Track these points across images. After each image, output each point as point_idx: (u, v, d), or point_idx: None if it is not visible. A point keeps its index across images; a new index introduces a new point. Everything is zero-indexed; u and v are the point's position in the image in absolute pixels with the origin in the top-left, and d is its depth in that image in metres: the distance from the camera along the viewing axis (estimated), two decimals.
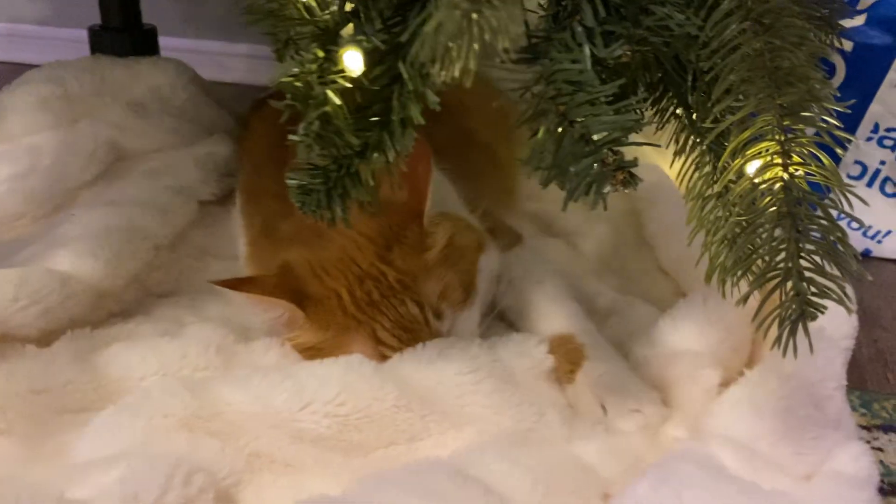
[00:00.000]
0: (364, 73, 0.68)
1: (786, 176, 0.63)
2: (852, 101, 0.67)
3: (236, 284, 0.97)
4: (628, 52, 0.66)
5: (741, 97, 0.68)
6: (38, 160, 1.31)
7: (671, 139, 0.81)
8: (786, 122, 0.64)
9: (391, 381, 0.89)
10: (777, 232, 0.64)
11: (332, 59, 0.67)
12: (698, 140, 0.76)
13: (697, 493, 0.72)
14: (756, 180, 0.64)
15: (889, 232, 1.51)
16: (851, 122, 1.44)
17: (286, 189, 1.07)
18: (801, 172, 0.63)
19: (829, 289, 0.60)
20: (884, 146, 1.46)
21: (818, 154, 0.64)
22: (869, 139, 1.46)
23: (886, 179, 1.49)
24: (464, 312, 1.00)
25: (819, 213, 0.64)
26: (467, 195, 1.21)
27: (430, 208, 0.97)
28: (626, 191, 0.62)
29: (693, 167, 0.79)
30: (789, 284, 0.63)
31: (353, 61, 0.66)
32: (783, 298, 0.64)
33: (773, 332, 0.65)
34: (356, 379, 0.88)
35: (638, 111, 0.72)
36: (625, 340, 1.10)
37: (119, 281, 1.10)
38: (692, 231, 0.82)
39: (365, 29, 0.66)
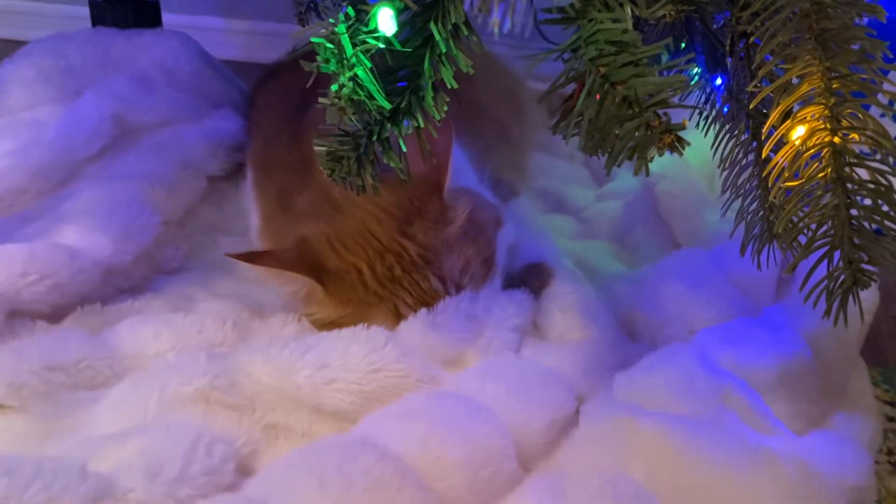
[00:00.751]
0: (394, 35, 0.65)
1: (836, 140, 0.60)
2: None
3: (253, 258, 0.95)
4: (672, 12, 0.64)
5: (785, 61, 0.66)
6: (40, 134, 1.27)
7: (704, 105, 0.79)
8: (835, 86, 0.62)
9: (416, 357, 0.87)
10: (824, 199, 0.62)
11: (362, 18, 0.64)
12: (736, 106, 0.73)
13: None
14: (804, 145, 0.62)
15: None
16: None
17: (300, 161, 1.06)
18: (851, 136, 0.61)
19: (884, 256, 0.58)
20: None
21: (867, 117, 0.62)
22: None
23: None
24: (485, 288, 0.98)
25: (868, 178, 0.62)
26: (479, 170, 1.19)
27: (450, 181, 0.95)
28: (673, 154, 0.60)
29: (727, 134, 0.77)
30: (837, 253, 0.61)
31: (386, 21, 0.63)
32: (830, 267, 0.62)
33: None
34: (379, 358, 0.86)
35: (685, 72, 0.69)
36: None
37: (128, 257, 1.08)
38: (727, 200, 0.80)
39: None
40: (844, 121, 0.62)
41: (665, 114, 0.59)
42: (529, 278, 1.07)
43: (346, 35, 0.62)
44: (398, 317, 0.93)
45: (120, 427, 0.79)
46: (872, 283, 0.59)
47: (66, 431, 0.83)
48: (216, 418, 0.82)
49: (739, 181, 0.77)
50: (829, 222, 0.61)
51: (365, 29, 0.64)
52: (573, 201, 1.50)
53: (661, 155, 0.60)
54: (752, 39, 0.69)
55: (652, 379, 0.82)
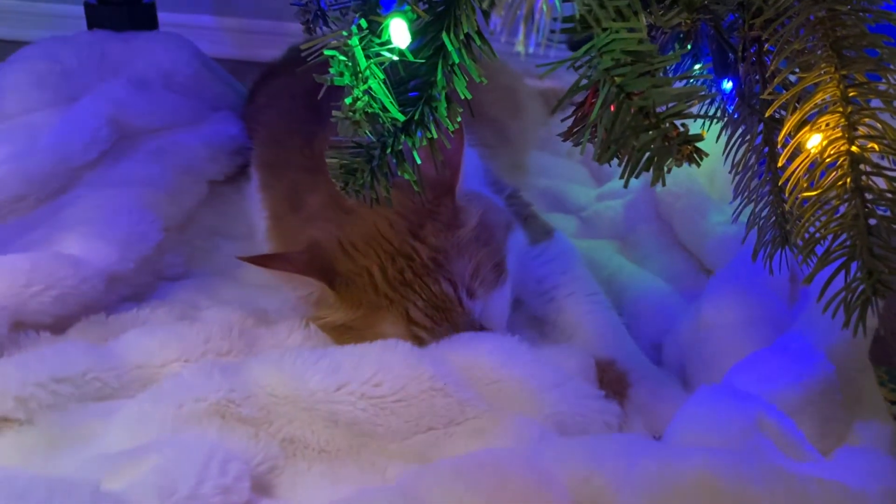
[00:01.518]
0: (407, 46, 0.65)
1: (854, 149, 0.60)
2: None
3: (265, 261, 0.94)
4: (687, 21, 0.63)
5: (800, 68, 0.65)
6: (36, 140, 1.26)
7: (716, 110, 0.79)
8: (851, 94, 0.62)
9: (427, 360, 0.86)
10: (841, 208, 0.62)
11: (374, 30, 0.63)
12: (748, 112, 0.73)
13: None
14: (820, 154, 0.62)
15: None
16: None
17: (310, 161, 1.05)
18: (869, 145, 0.60)
19: None
20: None
21: (885, 126, 0.61)
22: None
23: None
24: (495, 293, 0.97)
25: (886, 187, 0.61)
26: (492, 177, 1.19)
27: (462, 184, 0.95)
28: (691, 166, 0.59)
29: (740, 140, 0.77)
30: (855, 264, 0.61)
31: (398, 32, 0.62)
32: (848, 278, 0.62)
33: None
34: (392, 357, 0.86)
35: (702, 82, 0.69)
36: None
37: (130, 264, 1.07)
38: (739, 205, 0.80)
39: None
40: (861, 129, 0.61)
41: (683, 124, 0.59)
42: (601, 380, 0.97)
43: (359, 47, 0.62)
44: (409, 320, 0.93)
45: (134, 443, 0.78)
46: (891, 292, 0.59)
47: (75, 444, 0.82)
48: (232, 434, 0.81)
49: (751, 186, 0.76)
50: (847, 233, 0.61)
51: (378, 41, 0.63)
52: (573, 200, 1.50)
53: (679, 166, 0.59)
54: (765, 46, 0.68)
55: (680, 416, 0.80)
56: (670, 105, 0.59)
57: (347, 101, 0.62)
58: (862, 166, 0.61)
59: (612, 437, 0.87)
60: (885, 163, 0.62)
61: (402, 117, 0.64)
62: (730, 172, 0.78)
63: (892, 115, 0.62)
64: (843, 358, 0.84)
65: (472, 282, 0.94)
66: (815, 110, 0.64)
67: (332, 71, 0.62)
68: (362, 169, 0.66)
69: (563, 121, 0.70)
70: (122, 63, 1.41)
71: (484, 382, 0.88)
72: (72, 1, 1.73)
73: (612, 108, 0.62)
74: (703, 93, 0.60)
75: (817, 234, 0.63)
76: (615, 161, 0.64)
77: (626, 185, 0.61)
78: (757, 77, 0.74)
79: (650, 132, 0.60)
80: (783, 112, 0.68)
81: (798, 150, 0.65)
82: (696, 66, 0.76)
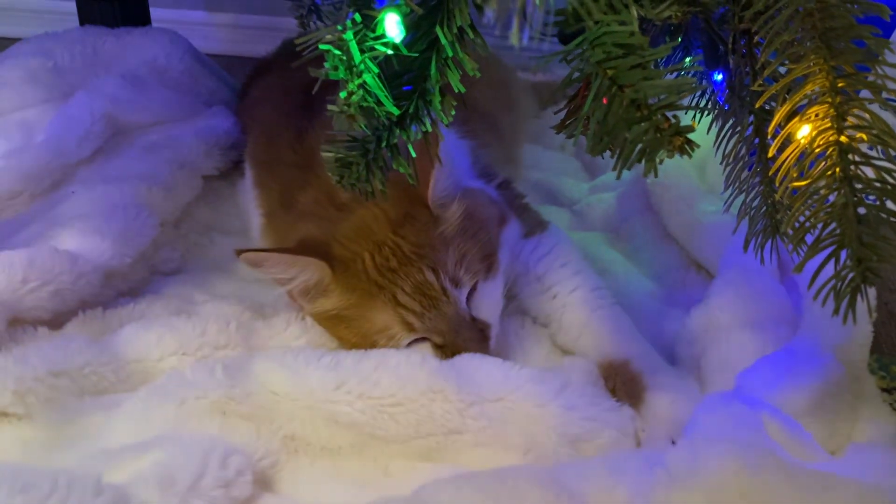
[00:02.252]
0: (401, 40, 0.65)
1: (843, 139, 0.61)
2: None
3: (264, 251, 0.96)
4: (678, 14, 0.64)
5: (789, 60, 0.66)
6: (30, 136, 1.27)
7: (707, 102, 0.80)
8: (840, 84, 0.62)
9: (428, 363, 0.88)
10: (830, 198, 0.63)
11: (369, 24, 0.64)
12: (738, 103, 0.74)
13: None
14: (809, 144, 0.63)
15: None
16: None
17: (301, 158, 1.06)
18: (857, 135, 0.61)
19: (891, 254, 0.59)
20: None
21: (873, 116, 0.62)
22: None
23: None
24: (487, 283, 0.98)
25: (874, 176, 0.62)
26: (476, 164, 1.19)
27: (435, 193, 0.95)
28: (683, 157, 0.60)
29: (730, 131, 0.78)
30: (844, 252, 0.62)
31: (393, 26, 0.63)
32: (838, 266, 0.62)
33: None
34: (392, 357, 0.87)
35: (693, 73, 0.70)
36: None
37: (126, 259, 1.07)
38: (729, 196, 0.81)
39: None
40: (850, 119, 0.62)
41: (674, 116, 0.59)
42: (613, 383, 0.97)
43: (353, 42, 0.62)
44: (396, 303, 0.94)
45: (135, 439, 0.79)
46: (880, 279, 0.60)
47: (74, 438, 0.83)
48: (234, 430, 0.82)
49: (742, 177, 0.77)
50: (836, 221, 0.61)
51: (372, 35, 0.63)
52: (566, 193, 1.51)
53: (671, 157, 0.60)
54: (755, 38, 0.69)
55: (692, 423, 0.79)
56: (662, 97, 0.60)
57: (342, 95, 0.63)
58: (851, 156, 0.62)
59: (632, 452, 0.86)
60: (873, 153, 0.63)
61: (396, 111, 0.65)
62: (721, 163, 0.79)
63: (880, 106, 0.63)
64: (851, 358, 0.85)
65: (457, 271, 0.95)
66: (805, 101, 0.64)
67: (326, 65, 0.62)
68: (357, 163, 0.67)
69: (555, 113, 0.70)
70: (115, 59, 1.42)
71: (488, 399, 0.87)
72: None
73: (605, 101, 0.63)
74: (694, 85, 0.61)
75: (807, 224, 0.63)
76: (607, 153, 0.65)
77: (618, 177, 0.62)
78: (747, 69, 0.75)
79: (642, 124, 0.60)
80: (773, 104, 0.68)
81: (788, 141, 0.66)
82: (687, 59, 0.77)
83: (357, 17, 0.63)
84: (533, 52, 0.63)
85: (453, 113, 0.67)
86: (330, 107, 0.63)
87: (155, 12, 1.65)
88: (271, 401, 0.84)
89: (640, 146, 0.61)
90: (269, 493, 0.79)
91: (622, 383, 0.95)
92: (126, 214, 1.09)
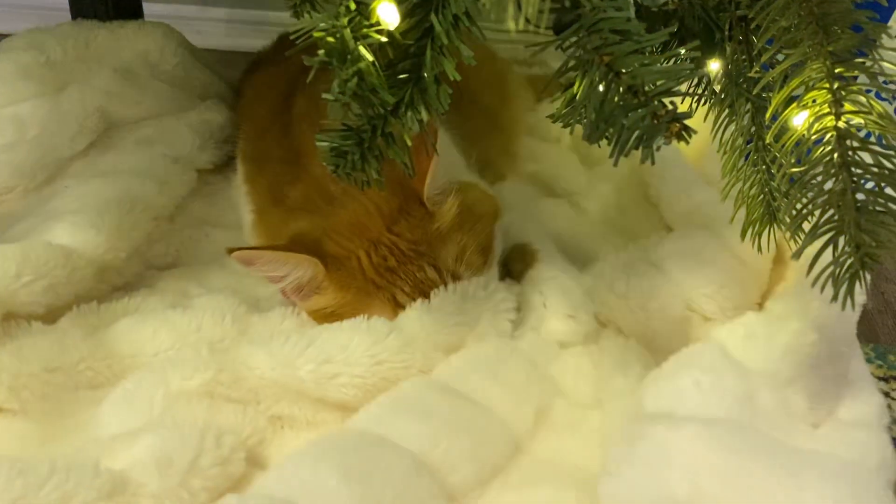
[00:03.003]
0: (395, 27, 0.65)
1: (841, 125, 0.61)
2: None
3: (257, 248, 0.96)
4: (675, 0, 0.63)
5: (786, 46, 0.66)
6: (23, 130, 1.26)
7: (703, 90, 0.79)
8: (838, 70, 0.62)
9: (415, 346, 0.89)
10: (828, 184, 0.62)
11: (363, 12, 0.63)
12: (736, 91, 0.73)
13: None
14: (807, 131, 0.62)
15: None
16: None
17: (288, 153, 1.05)
18: (855, 121, 0.61)
19: (890, 240, 0.58)
20: None
21: (871, 101, 0.62)
22: None
23: None
24: (483, 275, 0.98)
25: (872, 162, 0.62)
26: (469, 158, 1.19)
27: (432, 188, 0.95)
28: (680, 143, 0.60)
29: (728, 119, 0.77)
30: (842, 238, 0.62)
31: (388, 14, 0.62)
32: (836, 252, 0.62)
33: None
34: (381, 350, 0.87)
35: (690, 59, 0.69)
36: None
37: (121, 254, 1.06)
38: (727, 185, 0.80)
39: None
40: (848, 105, 0.62)
41: (671, 102, 0.59)
42: (512, 260, 1.07)
43: (348, 29, 0.62)
44: (396, 305, 0.94)
45: (126, 426, 0.79)
46: (879, 265, 0.60)
47: (69, 433, 0.82)
48: (221, 411, 0.82)
49: (739, 165, 0.77)
50: (834, 207, 0.61)
51: (367, 22, 0.63)
52: (564, 185, 1.50)
53: (668, 144, 0.60)
54: (752, 25, 0.68)
55: (680, 382, 0.80)
56: (659, 83, 0.59)
57: (337, 83, 0.62)
58: (849, 142, 0.61)
59: None
60: (871, 138, 0.62)
61: (391, 99, 0.64)
62: (718, 151, 0.78)
63: (878, 91, 0.62)
64: (832, 334, 0.84)
65: (457, 266, 0.95)
66: (802, 87, 0.64)
67: (320, 53, 0.62)
68: (352, 152, 0.66)
69: (551, 101, 0.70)
70: (108, 53, 1.40)
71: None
72: None
73: (601, 88, 0.62)
74: (691, 72, 0.60)
75: (805, 211, 0.63)
76: (605, 146, 0.64)
77: (615, 164, 0.62)
78: (744, 57, 0.74)
79: (639, 110, 0.60)
80: (770, 91, 0.68)
81: (785, 128, 0.66)
82: (683, 47, 0.76)
83: (351, 4, 0.62)
84: (529, 44, 0.63)
85: (449, 101, 0.66)
86: (324, 94, 0.63)
87: (148, 7, 1.64)
88: (259, 385, 0.85)
89: (637, 133, 0.61)
90: (259, 468, 0.80)
91: (519, 253, 1.08)
92: (120, 209, 1.08)
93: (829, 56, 0.63)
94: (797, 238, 0.65)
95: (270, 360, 0.85)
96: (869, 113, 0.61)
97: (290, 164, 1.05)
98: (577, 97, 0.64)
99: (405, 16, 0.65)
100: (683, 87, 0.80)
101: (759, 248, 0.79)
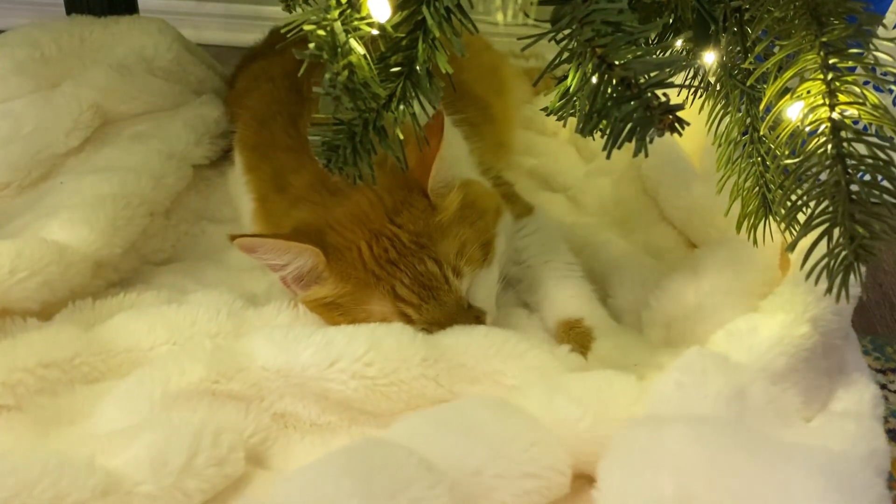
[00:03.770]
0: (387, 20, 0.64)
1: (835, 116, 0.60)
2: None
3: (260, 235, 0.96)
4: None
5: (780, 37, 0.65)
6: (18, 126, 1.25)
7: (698, 83, 0.79)
8: (832, 61, 0.62)
9: (420, 342, 0.87)
10: (822, 175, 0.62)
11: (354, 5, 0.63)
12: (731, 82, 0.73)
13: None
14: (802, 122, 0.62)
15: None
16: None
17: (295, 142, 1.05)
18: (849, 112, 0.61)
19: (884, 231, 0.58)
20: None
21: (865, 92, 0.62)
22: None
23: None
24: (482, 271, 0.98)
25: (866, 153, 0.62)
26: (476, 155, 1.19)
27: (436, 181, 0.95)
28: (672, 135, 0.59)
29: (723, 111, 0.77)
30: (837, 230, 0.61)
31: (378, 7, 0.62)
32: (830, 244, 0.62)
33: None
34: (384, 335, 0.87)
35: (684, 51, 0.69)
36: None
37: (116, 249, 1.06)
38: (722, 178, 0.80)
39: None
40: (842, 96, 0.62)
41: (664, 94, 0.59)
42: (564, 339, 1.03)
43: (338, 22, 0.61)
44: (396, 298, 0.93)
45: (125, 422, 0.78)
46: (873, 257, 0.60)
47: (65, 428, 0.82)
48: (222, 409, 0.81)
49: (734, 158, 0.77)
50: (829, 199, 0.61)
51: (358, 15, 0.63)
52: (561, 179, 1.50)
53: (660, 136, 0.59)
54: (746, 16, 0.68)
55: (662, 386, 0.80)
56: (652, 75, 0.59)
57: (328, 76, 0.62)
58: (843, 133, 0.61)
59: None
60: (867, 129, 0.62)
61: (383, 92, 0.64)
62: (713, 144, 0.78)
63: (872, 82, 0.62)
64: (827, 327, 0.84)
65: (458, 260, 0.95)
66: (797, 78, 0.64)
67: (311, 46, 0.62)
68: (344, 146, 0.66)
69: (545, 94, 0.70)
70: (103, 48, 1.40)
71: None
72: None
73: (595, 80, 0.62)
74: (684, 63, 0.60)
75: (799, 202, 0.63)
76: (603, 141, 0.64)
77: (608, 157, 0.61)
78: (738, 48, 0.74)
79: (632, 102, 0.60)
80: (764, 83, 0.68)
81: (779, 119, 0.66)
82: (678, 38, 0.76)
83: None
84: (521, 37, 0.62)
85: (441, 95, 0.66)
86: (315, 88, 0.63)
87: (143, 2, 1.63)
88: (261, 378, 0.84)
89: (629, 125, 0.60)
90: (262, 468, 0.79)
91: (574, 336, 1.02)
92: (115, 204, 1.08)
93: (823, 47, 0.62)
94: (792, 230, 0.65)
95: (272, 347, 0.85)
96: (863, 104, 0.61)
97: (295, 153, 1.04)
98: (571, 89, 0.64)
99: (397, 8, 0.65)
100: (678, 80, 0.80)
101: (755, 241, 0.79)
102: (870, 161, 0.61)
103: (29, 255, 0.93)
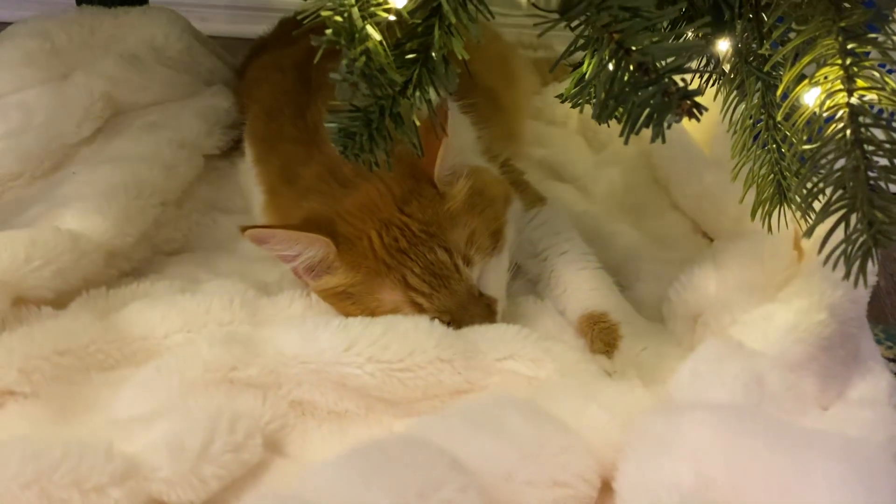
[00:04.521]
0: (403, 6, 0.64)
1: (854, 101, 0.60)
2: None
3: (270, 226, 0.96)
4: None
5: (797, 22, 0.65)
6: (30, 117, 1.26)
7: (714, 68, 0.79)
8: (850, 46, 0.61)
9: (436, 326, 0.88)
10: (840, 161, 0.62)
11: None
12: (746, 69, 0.73)
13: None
14: (819, 108, 0.62)
15: None
16: None
17: (303, 133, 1.05)
18: (868, 97, 0.60)
19: None
20: None
21: (884, 77, 0.61)
22: None
23: None
24: (492, 259, 0.98)
25: (885, 138, 0.61)
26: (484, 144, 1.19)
27: (442, 169, 0.95)
28: (691, 121, 0.59)
29: (738, 98, 0.77)
30: (854, 216, 0.61)
31: None
32: (848, 230, 0.62)
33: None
34: (400, 319, 0.88)
35: (700, 36, 0.69)
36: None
37: (128, 239, 1.07)
38: (736, 165, 0.80)
39: None
40: (860, 81, 0.61)
41: (682, 79, 0.59)
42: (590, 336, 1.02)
43: (356, 8, 0.61)
44: (406, 287, 0.94)
45: (143, 410, 0.79)
46: (891, 242, 0.59)
47: (81, 415, 0.83)
48: (240, 396, 0.82)
49: (749, 145, 0.76)
50: (846, 185, 0.61)
51: (374, 1, 0.62)
52: (571, 169, 1.50)
53: (678, 121, 0.59)
54: (763, 1, 0.68)
55: (679, 375, 0.80)
56: (669, 60, 0.59)
57: (345, 62, 0.62)
58: (861, 118, 0.61)
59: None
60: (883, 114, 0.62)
61: (399, 79, 0.64)
62: (728, 131, 0.78)
63: (890, 67, 0.62)
64: (844, 315, 0.84)
65: (468, 249, 0.95)
66: (814, 64, 0.64)
67: (328, 33, 0.62)
68: (361, 133, 0.66)
69: (560, 82, 0.70)
70: (113, 39, 1.40)
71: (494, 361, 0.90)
72: None
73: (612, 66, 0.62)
74: (702, 48, 0.60)
75: (815, 189, 0.63)
76: (613, 131, 0.64)
77: (626, 142, 0.61)
78: (754, 34, 0.74)
79: (650, 88, 0.60)
80: (781, 69, 0.68)
81: (795, 106, 0.66)
82: (692, 25, 0.76)
83: None
84: (536, 23, 0.62)
85: (457, 81, 0.66)
86: (332, 74, 0.63)
87: None
88: (279, 363, 0.84)
89: (647, 110, 0.60)
90: (280, 456, 0.80)
91: (599, 332, 1.00)
92: (127, 194, 1.08)
93: (840, 32, 0.62)
94: (808, 217, 0.65)
95: (290, 331, 0.86)
96: (882, 89, 0.61)
97: (304, 145, 1.05)
98: (587, 76, 0.64)
99: None
100: (694, 65, 0.79)
101: (770, 228, 0.79)
102: (888, 146, 0.61)
103: (43, 244, 0.94)
